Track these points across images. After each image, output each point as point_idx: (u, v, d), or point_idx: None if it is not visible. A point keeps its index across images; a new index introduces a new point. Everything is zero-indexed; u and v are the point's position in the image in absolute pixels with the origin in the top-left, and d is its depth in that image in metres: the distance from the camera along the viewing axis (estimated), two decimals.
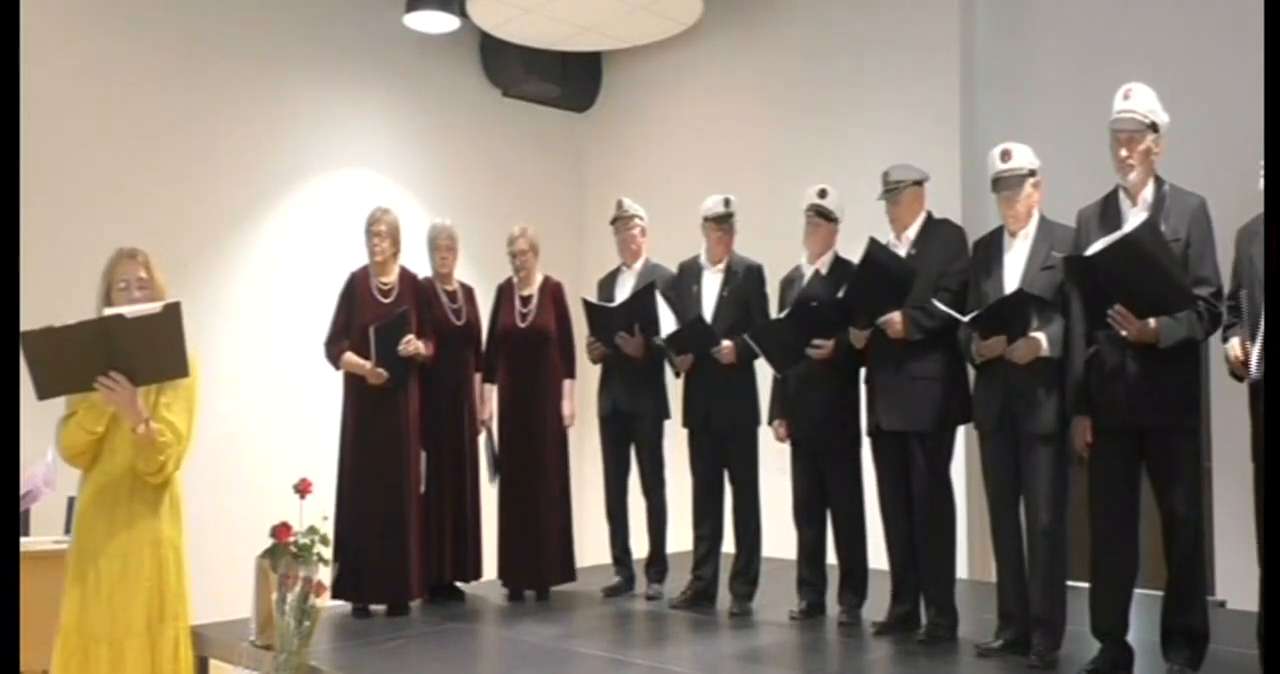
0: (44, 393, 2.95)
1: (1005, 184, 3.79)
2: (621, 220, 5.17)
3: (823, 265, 4.49)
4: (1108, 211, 3.55)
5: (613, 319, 4.91)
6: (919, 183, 4.21)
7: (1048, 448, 3.65)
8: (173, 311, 2.97)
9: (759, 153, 7.08)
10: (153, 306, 2.99)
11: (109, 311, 2.99)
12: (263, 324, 6.56)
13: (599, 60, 8.10)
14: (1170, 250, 3.29)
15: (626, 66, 7.96)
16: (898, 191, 4.18)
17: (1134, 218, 3.44)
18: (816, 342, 4.27)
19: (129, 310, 2.97)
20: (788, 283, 4.62)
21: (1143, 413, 3.39)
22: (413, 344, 4.63)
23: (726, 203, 4.83)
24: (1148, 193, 3.48)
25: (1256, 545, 3.04)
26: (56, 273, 5.38)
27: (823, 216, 4.47)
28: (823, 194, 4.49)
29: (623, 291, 5.07)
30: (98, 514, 3.14)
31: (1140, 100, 3.49)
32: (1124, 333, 3.33)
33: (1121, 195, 3.54)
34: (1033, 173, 3.81)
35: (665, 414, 5.11)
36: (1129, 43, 5.73)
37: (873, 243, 4.00)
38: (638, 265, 5.15)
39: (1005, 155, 3.81)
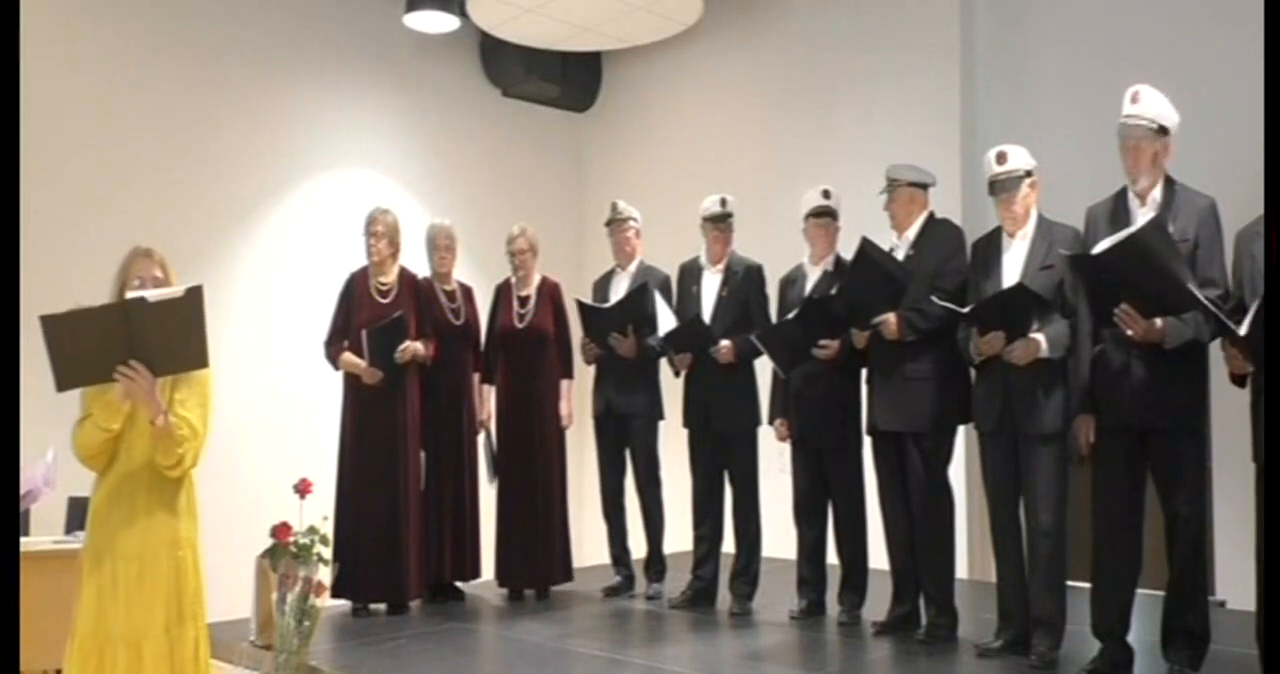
0: (64, 383, 2.89)
1: (1002, 187, 3.79)
2: (616, 222, 5.18)
3: (828, 265, 4.50)
4: (1117, 210, 3.54)
5: (606, 320, 4.92)
6: (914, 184, 4.20)
7: (1048, 448, 3.65)
8: (195, 296, 2.92)
9: (759, 152, 7.08)
10: (175, 290, 2.93)
11: (132, 294, 2.96)
12: (263, 324, 6.56)
13: (599, 60, 8.10)
14: (1177, 251, 3.28)
15: (626, 66, 7.96)
16: (893, 190, 4.19)
17: (1142, 217, 3.44)
18: (823, 342, 4.27)
19: (151, 294, 2.92)
20: (788, 283, 4.62)
21: (1146, 414, 3.38)
22: (410, 350, 4.64)
23: (723, 202, 4.83)
24: (1157, 193, 3.48)
25: (1255, 545, 3.04)
26: (57, 273, 5.39)
27: (832, 216, 4.49)
28: (826, 194, 4.51)
29: (617, 293, 5.08)
30: (113, 515, 3.10)
31: (1148, 104, 3.48)
32: (1129, 332, 3.33)
33: (1130, 194, 3.54)
34: (1029, 173, 3.81)
35: (659, 414, 5.12)
36: (1131, 40, 5.72)
37: (865, 241, 4.01)
38: (632, 267, 5.16)
39: (1000, 158, 3.81)
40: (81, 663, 3.07)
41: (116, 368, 2.89)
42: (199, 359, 3.03)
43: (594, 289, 5.29)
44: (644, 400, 5.04)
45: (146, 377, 2.93)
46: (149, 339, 2.90)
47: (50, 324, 2.80)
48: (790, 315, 4.41)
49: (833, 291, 4.20)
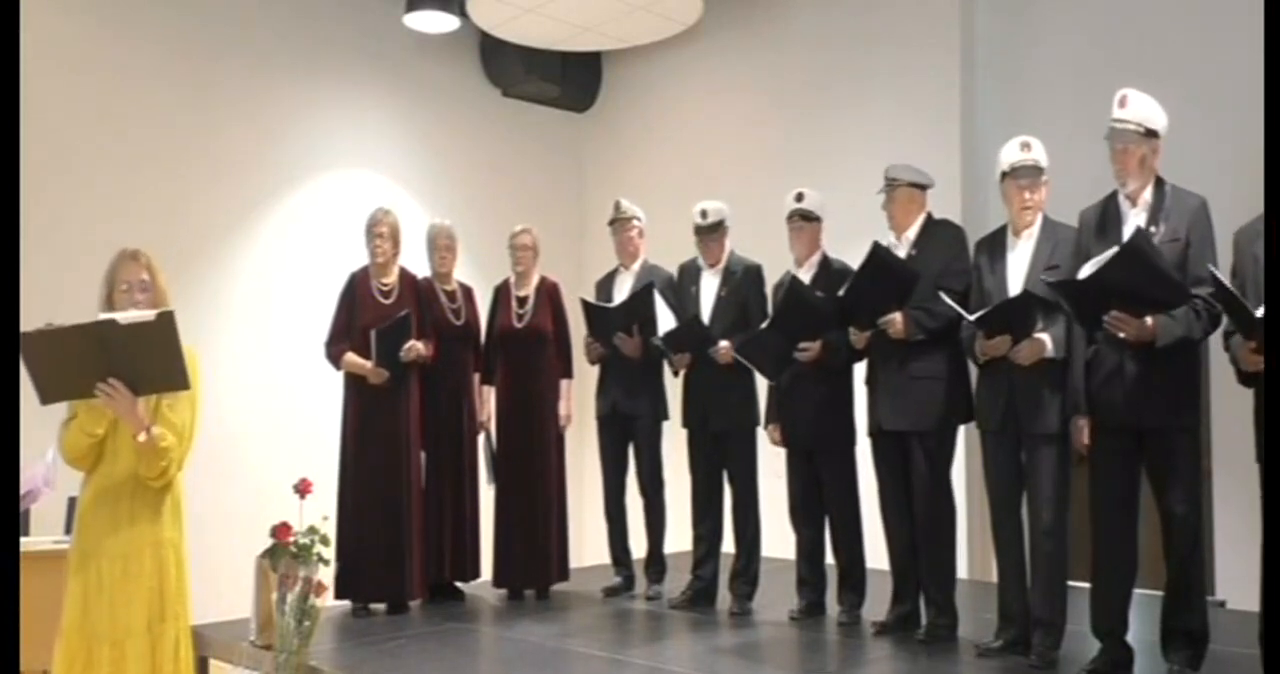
0: (46, 398, 2.96)
1: (1024, 173, 3.78)
2: (619, 221, 5.17)
3: (809, 269, 4.51)
4: (1107, 213, 3.55)
5: (611, 320, 4.91)
6: (914, 185, 4.20)
7: (1051, 448, 3.65)
8: (166, 320, 2.96)
9: (759, 153, 7.08)
10: (146, 314, 2.98)
11: (103, 316, 2.99)
12: (263, 324, 6.56)
13: (599, 60, 8.10)
14: (1161, 253, 3.28)
15: (626, 66, 7.96)
16: (892, 190, 4.19)
17: (1133, 219, 3.45)
18: (803, 344, 4.28)
19: (122, 316, 2.97)
20: (778, 288, 4.62)
21: (1141, 413, 3.38)
22: (415, 350, 4.64)
23: (703, 214, 4.81)
24: (1147, 194, 3.49)
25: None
26: (57, 273, 5.39)
27: (805, 219, 4.50)
28: (800, 197, 4.53)
29: (621, 292, 5.07)
30: (98, 515, 3.14)
31: (1135, 107, 3.48)
32: (1122, 334, 3.33)
33: (1121, 197, 3.54)
34: (1043, 170, 3.82)
35: (664, 415, 5.11)
36: (1130, 40, 5.73)
37: (876, 245, 4.02)
38: (635, 266, 5.15)
39: (1025, 146, 3.80)
40: (69, 661, 3.11)
41: (96, 385, 2.93)
42: (179, 381, 3.06)
43: (597, 289, 5.28)
44: (649, 401, 5.03)
45: (126, 395, 2.97)
46: (126, 359, 2.95)
47: (28, 341, 2.85)
48: (763, 325, 4.44)
49: (823, 293, 4.19)
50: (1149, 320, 3.29)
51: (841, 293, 4.14)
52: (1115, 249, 3.24)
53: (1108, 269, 3.20)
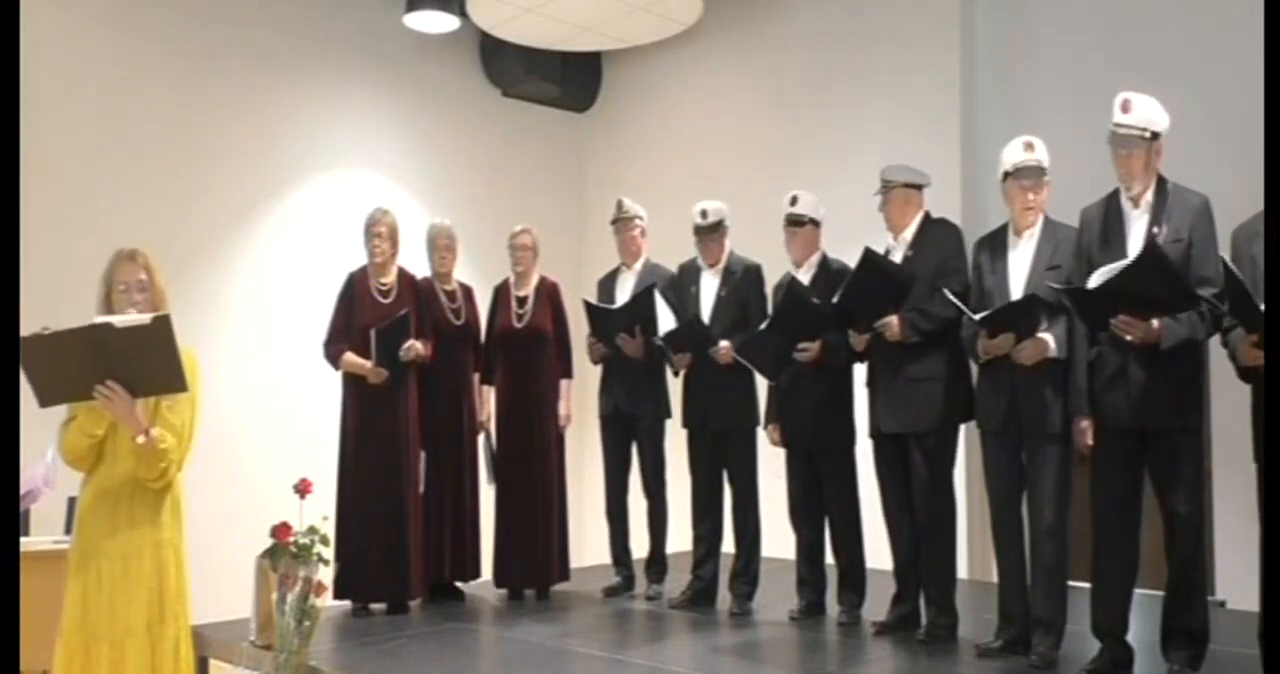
0: (45, 400, 2.97)
1: (1027, 173, 3.77)
2: (622, 221, 5.17)
3: (808, 270, 4.51)
4: (1110, 214, 3.55)
5: (614, 320, 4.91)
6: (909, 185, 4.20)
7: (1053, 447, 3.65)
8: (162, 324, 2.97)
9: (759, 152, 7.09)
10: (142, 318, 2.99)
11: (99, 319, 3.00)
12: (263, 324, 6.56)
13: (599, 60, 8.10)
14: (1170, 260, 3.28)
15: (626, 66, 7.96)
16: (888, 191, 4.20)
17: (1135, 220, 3.46)
18: (802, 345, 4.28)
19: (118, 320, 2.98)
20: (778, 289, 4.62)
21: (1145, 415, 3.38)
22: (414, 349, 4.64)
23: (703, 214, 4.81)
24: (1150, 195, 3.48)
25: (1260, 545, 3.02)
26: (57, 273, 5.39)
27: (798, 224, 4.50)
28: (794, 201, 4.53)
29: (623, 292, 5.07)
30: (98, 516, 3.15)
31: (1139, 111, 3.47)
32: (1129, 337, 3.33)
33: (1123, 196, 3.54)
34: (1045, 171, 3.81)
35: (666, 414, 5.11)
36: (1130, 40, 5.73)
37: (867, 250, 4.02)
38: (637, 266, 5.15)
39: (1028, 146, 3.80)
40: (68, 660, 3.12)
41: (94, 387, 2.93)
42: (177, 383, 3.06)
43: (599, 287, 5.28)
44: (651, 401, 5.03)
45: (124, 397, 2.97)
46: (124, 362, 2.96)
47: (25, 346, 2.87)
48: (762, 326, 4.44)
49: (834, 300, 4.20)
50: (1154, 323, 3.29)
51: (836, 299, 4.15)
52: (1129, 259, 3.24)
53: (1123, 277, 3.20)
